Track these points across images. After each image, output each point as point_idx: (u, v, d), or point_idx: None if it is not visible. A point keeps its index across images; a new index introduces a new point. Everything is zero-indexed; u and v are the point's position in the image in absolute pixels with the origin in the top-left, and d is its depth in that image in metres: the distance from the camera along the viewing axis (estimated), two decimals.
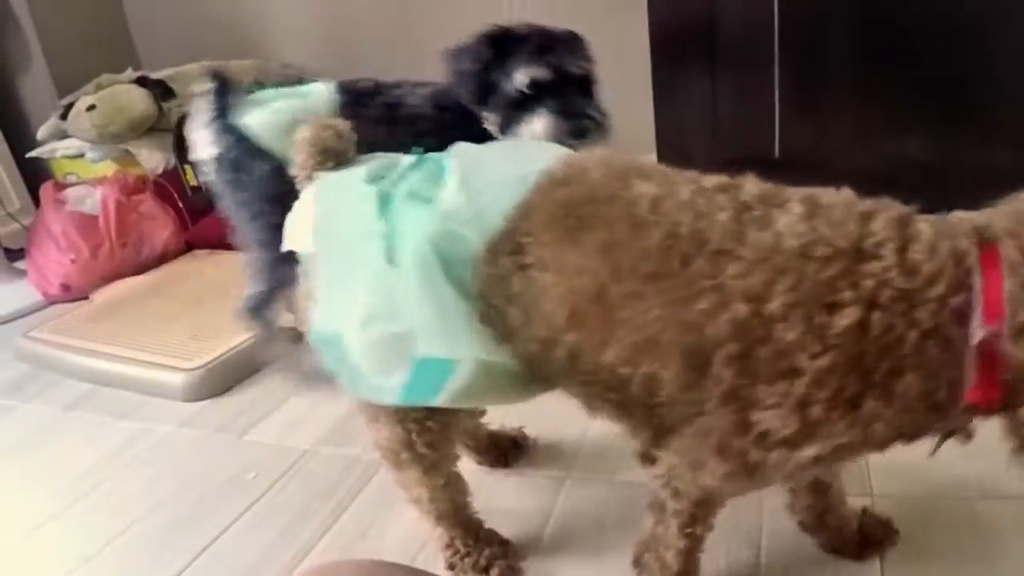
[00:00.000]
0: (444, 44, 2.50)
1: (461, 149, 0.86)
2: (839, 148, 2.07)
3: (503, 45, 1.58)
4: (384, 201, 0.80)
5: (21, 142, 2.87)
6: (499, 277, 0.76)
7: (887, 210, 0.70)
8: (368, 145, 0.99)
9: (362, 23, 2.71)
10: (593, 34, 2.23)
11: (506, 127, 1.55)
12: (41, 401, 1.81)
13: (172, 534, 1.28)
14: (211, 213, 2.46)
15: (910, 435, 0.69)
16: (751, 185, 0.74)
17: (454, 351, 0.77)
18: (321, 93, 1.57)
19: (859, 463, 1.12)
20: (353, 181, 0.86)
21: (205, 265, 2.34)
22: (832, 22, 1.98)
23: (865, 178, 2.06)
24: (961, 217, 0.68)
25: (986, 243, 0.63)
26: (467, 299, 0.76)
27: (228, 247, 2.34)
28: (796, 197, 0.72)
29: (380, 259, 0.78)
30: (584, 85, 1.61)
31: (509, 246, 0.76)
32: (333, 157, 0.94)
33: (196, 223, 2.47)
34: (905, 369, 0.63)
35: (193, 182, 2.49)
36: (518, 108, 1.54)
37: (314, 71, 2.86)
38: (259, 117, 1.47)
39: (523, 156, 0.83)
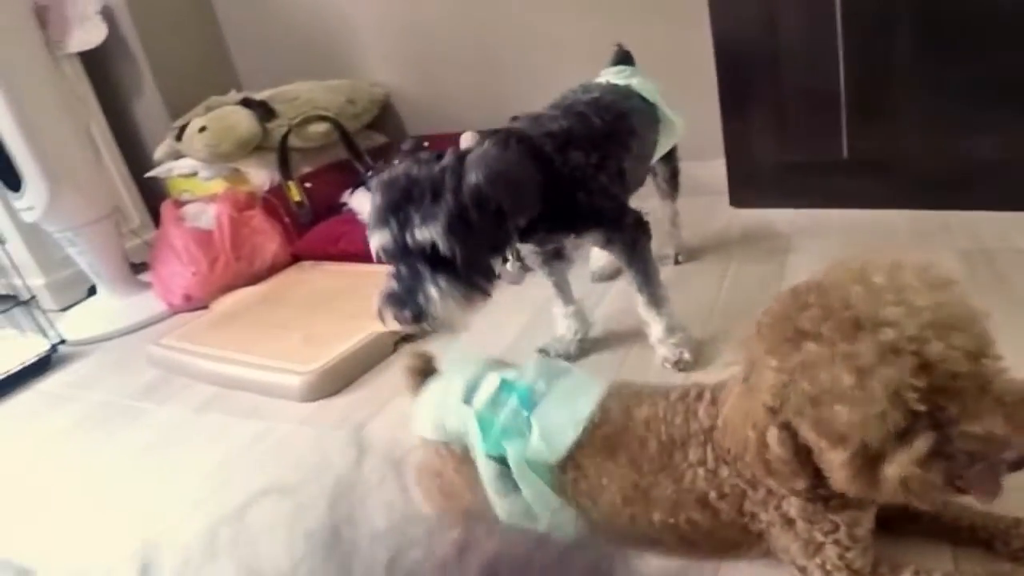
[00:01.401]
0: (523, 63, 2.58)
1: (535, 394, 1.16)
2: (907, 149, 2.06)
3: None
4: (485, 428, 1.13)
5: (138, 163, 3.05)
6: (567, 481, 1.10)
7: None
8: None
9: (445, 46, 2.81)
10: (659, 46, 2.30)
11: None
12: (174, 403, 1.94)
13: (301, 524, 1.39)
14: (314, 227, 2.60)
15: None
16: (693, 389, 1.08)
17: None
18: None
19: None
20: (464, 410, 1.16)
21: (311, 275, 2.46)
22: (896, 21, 1.97)
23: (934, 178, 2.07)
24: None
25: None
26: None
27: (331, 258, 2.48)
28: (707, 390, 1.06)
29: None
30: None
31: (573, 465, 1.10)
32: (427, 374, 1.26)
33: (301, 236, 2.59)
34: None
35: (297, 197, 2.62)
36: None
37: (399, 89, 2.98)
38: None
39: (576, 401, 1.14)
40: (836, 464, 0.83)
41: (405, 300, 1.28)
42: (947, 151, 2.03)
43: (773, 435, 0.87)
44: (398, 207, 1.26)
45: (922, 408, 0.76)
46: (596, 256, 2.01)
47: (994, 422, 0.77)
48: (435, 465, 1.21)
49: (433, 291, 1.27)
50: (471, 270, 1.29)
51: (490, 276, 1.35)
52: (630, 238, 1.56)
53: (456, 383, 1.19)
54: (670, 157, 1.94)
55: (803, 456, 0.87)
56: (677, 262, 2.07)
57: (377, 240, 1.28)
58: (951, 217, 1.98)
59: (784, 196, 2.26)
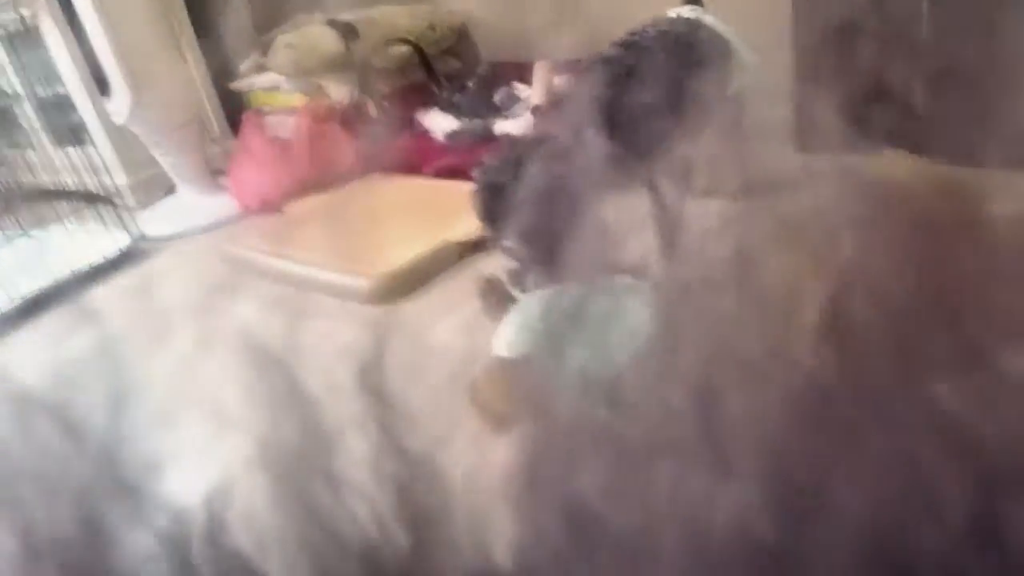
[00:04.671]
0: None
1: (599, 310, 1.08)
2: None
3: None
4: (554, 344, 1.00)
5: (222, 76, 2.98)
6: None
7: None
8: None
9: None
10: None
11: None
12: (244, 301, 1.87)
13: None
14: (389, 143, 2.53)
15: None
16: None
17: None
18: None
19: None
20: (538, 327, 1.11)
21: (383, 187, 2.37)
22: None
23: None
24: None
25: None
26: None
27: (402, 172, 2.41)
28: None
29: None
30: None
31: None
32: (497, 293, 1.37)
33: (376, 151, 2.51)
34: None
35: (374, 114, 2.56)
36: None
37: (476, 16, 2.88)
38: None
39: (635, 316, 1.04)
40: None
41: None
42: None
43: None
44: None
45: None
46: None
47: None
48: (501, 378, 1.20)
49: None
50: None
51: None
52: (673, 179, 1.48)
53: (535, 304, 1.21)
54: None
55: None
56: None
57: None
58: None
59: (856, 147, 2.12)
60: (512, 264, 1.37)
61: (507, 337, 1.19)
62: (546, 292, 1.21)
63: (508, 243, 1.34)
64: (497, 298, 1.32)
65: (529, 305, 1.21)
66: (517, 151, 1.32)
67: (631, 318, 1.06)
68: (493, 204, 1.33)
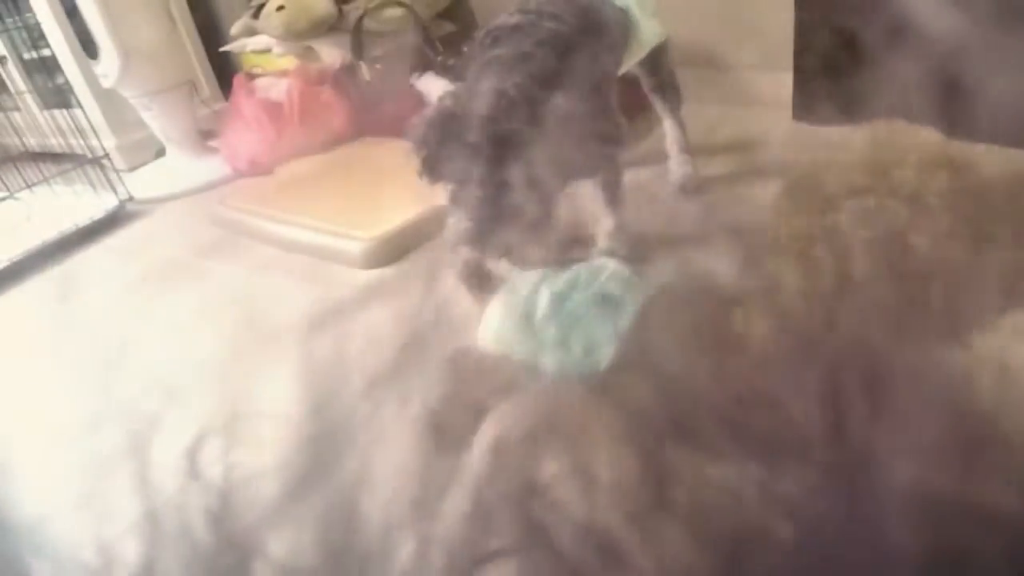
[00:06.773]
0: None
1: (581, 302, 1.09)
2: None
3: None
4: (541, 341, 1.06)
5: (213, 38, 2.92)
6: None
7: None
8: None
9: None
10: None
11: None
12: (236, 263, 1.85)
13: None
14: (381, 105, 2.48)
15: None
16: None
17: None
18: None
19: None
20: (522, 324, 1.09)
21: (374, 150, 2.34)
22: None
23: None
24: None
25: None
26: None
27: (393, 135, 2.36)
28: None
29: None
30: None
31: None
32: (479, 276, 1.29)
33: (368, 113, 2.47)
34: None
35: (367, 77, 2.50)
36: None
37: None
38: None
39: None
40: None
41: None
42: None
43: None
44: None
45: None
46: None
47: None
48: (483, 370, 1.11)
49: None
50: None
51: None
52: None
53: (521, 298, 1.13)
54: (657, 63, 1.57)
55: None
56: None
57: None
58: None
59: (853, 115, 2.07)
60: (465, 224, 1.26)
61: (492, 331, 1.12)
62: (530, 281, 1.15)
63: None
64: (479, 281, 1.25)
65: (514, 298, 1.13)
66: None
67: (617, 310, 1.02)
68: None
